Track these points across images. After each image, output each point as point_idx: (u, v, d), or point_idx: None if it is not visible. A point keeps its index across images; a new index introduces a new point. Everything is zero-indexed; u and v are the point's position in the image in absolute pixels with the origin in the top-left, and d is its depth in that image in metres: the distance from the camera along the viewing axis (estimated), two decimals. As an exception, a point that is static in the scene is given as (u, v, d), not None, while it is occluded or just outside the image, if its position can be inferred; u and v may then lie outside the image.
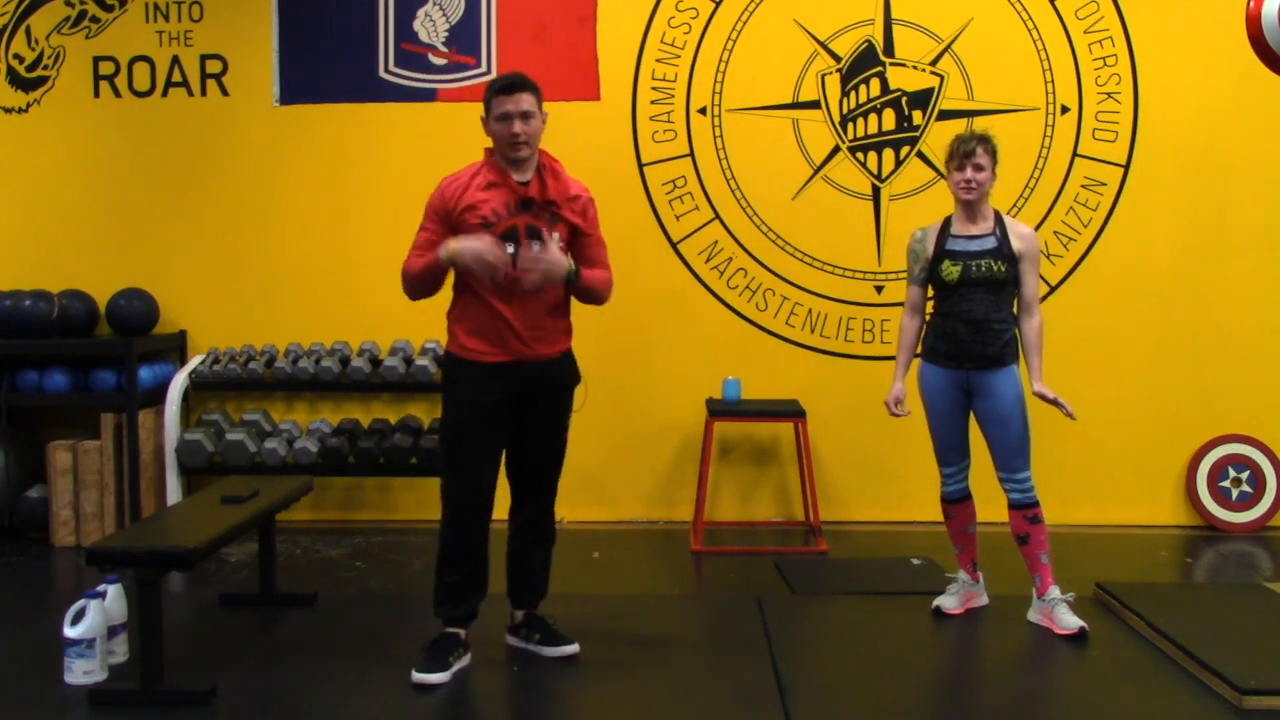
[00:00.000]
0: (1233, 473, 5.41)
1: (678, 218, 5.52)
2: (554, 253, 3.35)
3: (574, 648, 3.59)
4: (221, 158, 5.55)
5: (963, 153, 3.78)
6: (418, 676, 3.34)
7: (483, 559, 3.52)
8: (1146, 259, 5.44)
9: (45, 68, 5.55)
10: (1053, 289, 5.43)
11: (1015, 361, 3.84)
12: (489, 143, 3.48)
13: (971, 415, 3.91)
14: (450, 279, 3.45)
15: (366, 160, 5.49)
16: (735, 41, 5.46)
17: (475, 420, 3.43)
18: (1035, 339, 3.85)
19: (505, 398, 3.42)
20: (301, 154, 5.54)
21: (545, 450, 3.58)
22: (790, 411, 5.17)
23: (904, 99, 5.45)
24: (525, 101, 3.38)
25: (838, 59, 5.45)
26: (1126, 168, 5.43)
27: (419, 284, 3.43)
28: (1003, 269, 3.77)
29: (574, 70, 5.45)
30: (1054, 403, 3.76)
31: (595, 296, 3.55)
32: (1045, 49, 5.41)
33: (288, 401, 5.61)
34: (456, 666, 3.41)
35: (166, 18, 5.53)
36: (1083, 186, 5.45)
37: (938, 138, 5.28)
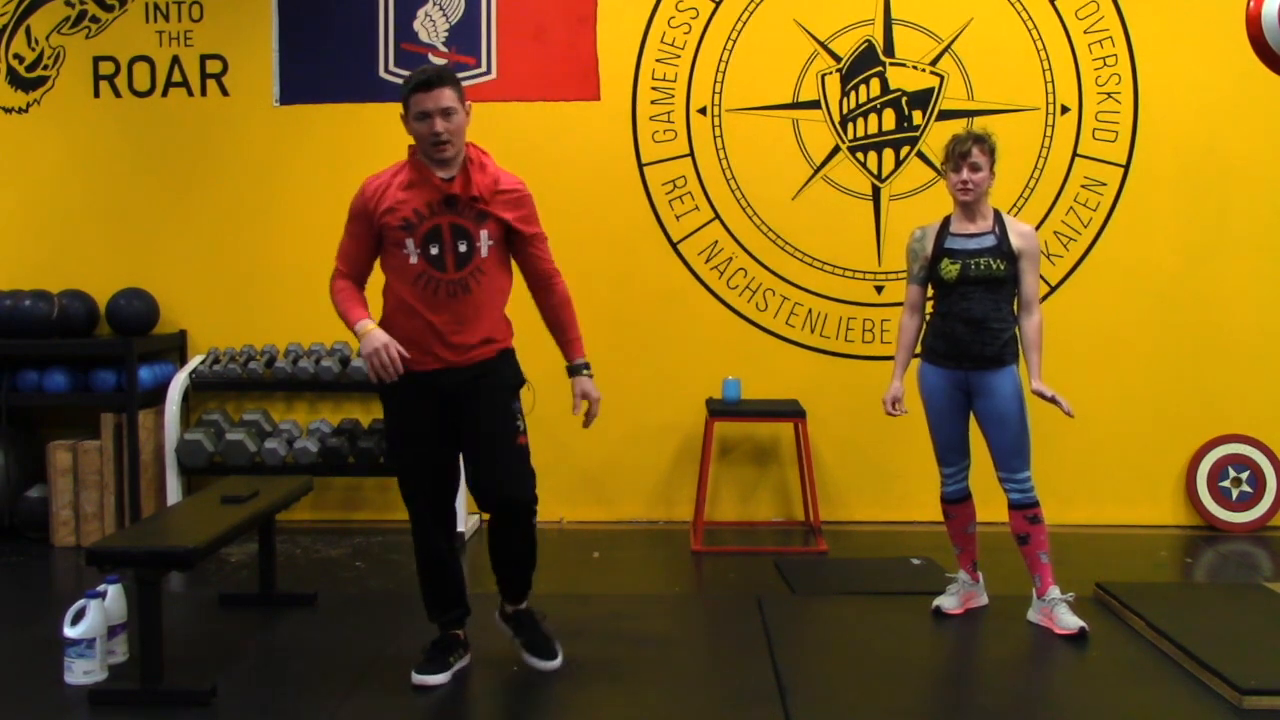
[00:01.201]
0: (1233, 473, 5.41)
1: (678, 218, 5.52)
2: (591, 393, 3.40)
3: (556, 663, 3.43)
4: (221, 158, 5.56)
5: (958, 154, 3.78)
6: (417, 678, 3.33)
7: (454, 563, 3.47)
8: (1146, 259, 5.44)
9: (45, 68, 5.55)
10: (1053, 289, 5.43)
11: (1015, 361, 3.84)
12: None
13: (971, 415, 3.91)
14: (379, 285, 3.33)
15: (366, 160, 5.39)
16: (735, 41, 5.46)
17: (411, 431, 3.33)
18: (1035, 337, 3.84)
19: (439, 404, 3.28)
20: (301, 154, 5.54)
21: (500, 460, 3.31)
22: (790, 411, 5.17)
23: (904, 99, 5.45)
24: (446, 98, 3.15)
25: (838, 59, 5.45)
26: (1126, 168, 5.43)
27: (338, 315, 3.31)
28: (1002, 267, 3.77)
29: (574, 70, 5.45)
30: (1052, 400, 3.76)
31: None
32: (1045, 49, 5.41)
33: (288, 401, 5.61)
34: (456, 667, 3.41)
35: (166, 18, 5.53)
36: (1083, 186, 5.45)
37: (938, 138, 5.27)
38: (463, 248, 3.20)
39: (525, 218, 3.31)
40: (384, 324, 3.29)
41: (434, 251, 3.19)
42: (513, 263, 3.39)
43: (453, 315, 3.22)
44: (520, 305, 3.46)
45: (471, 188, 3.21)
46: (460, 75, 5.42)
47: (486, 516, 3.57)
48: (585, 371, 3.41)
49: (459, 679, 3.40)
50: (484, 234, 3.22)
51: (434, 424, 3.29)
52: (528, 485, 3.36)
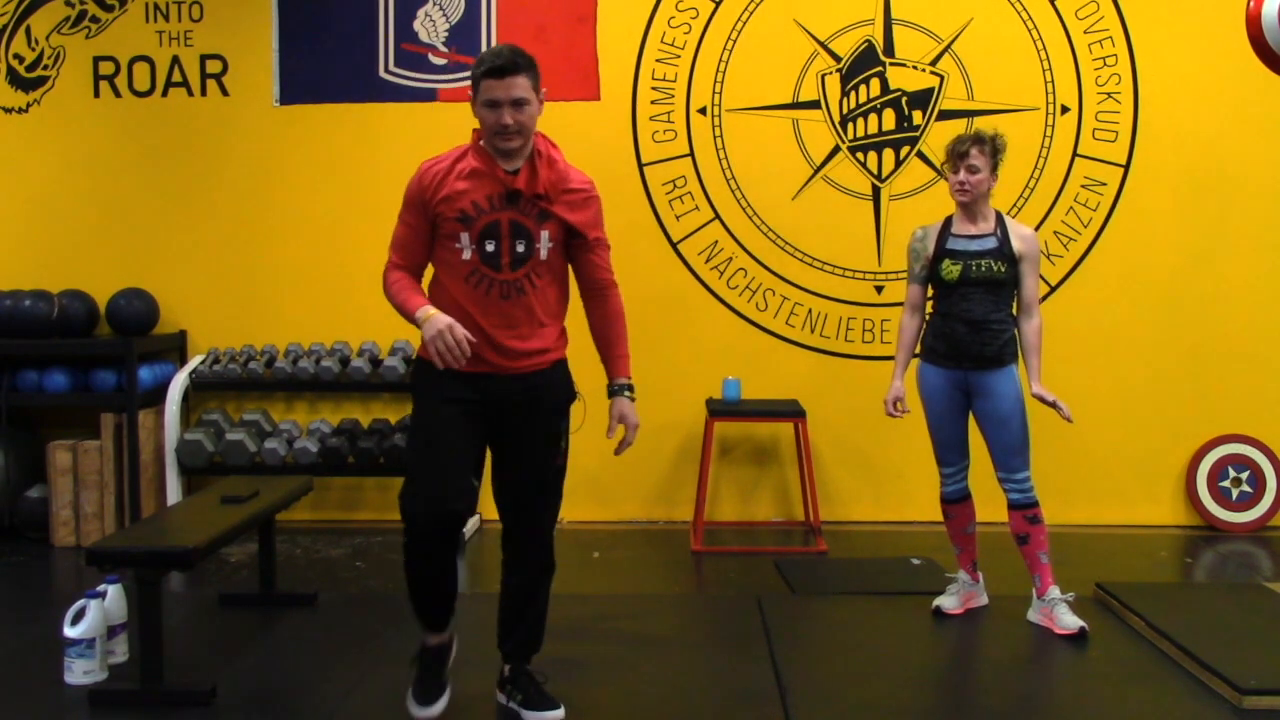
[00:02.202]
0: (1233, 473, 5.41)
1: (678, 218, 5.52)
2: (629, 417, 3.10)
3: (558, 713, 3.10)
4: (221, 158, 5.56)
5: (957, 154, 3.78)
6: (417, 712, 3.07)
7: (449, 585, 3.08)
8: (1146, 259, 5.44)
9: (45, 68, 5.55)
10: (1053, 289, 5.43)
11: (1014, 362, 3.84)
12: None
13: (971, 415, 3.91)
14: (426, 274, 3.08)
15: (366, 160, 5.49)
16: (735, 41, 5.46)
17: (446, 425, 2.95)
18: (1034, 340, 3.84)
19: (483, 408, 2.98)
20: (301, 154, 5.54)
21: (533, 485, 3.06)
22: (790, 411, 5.17)
23: (904, 99, 5.45)
24: (519, 87, 2.88)
25: (838, 59, 5.45)
26: (1126, 168, 5.43)
27: (395, 308, 3.02)
28: (1003, 269, 3.77)
29: (574, 70, 5.45)
30: (1052, 405, 3.76)
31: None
32: (1045, 49, 5.41)
33: (288, 401, 5.61)
34: (449, 662, 3.21)
35: (166, 18, 5.53)
36: (1083, 186, 5.45)
37: (938, 138, 5.28)
38: (520, 247, 2.94)
39: (588, 221, 3.06)
40: None
41: (489, 248, 2.93)
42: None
43: (504, 318, 2.95)
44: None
45: (537, 184, 2.96)
46: (460, 75, 5.49)
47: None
48: (628, 393, 3.12)
49: (458, 679, 3.39)
50: (544, 234, 2.97)
51: (473, 425, 2.98)
52: (552, 510, 3.13)
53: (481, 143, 2.99)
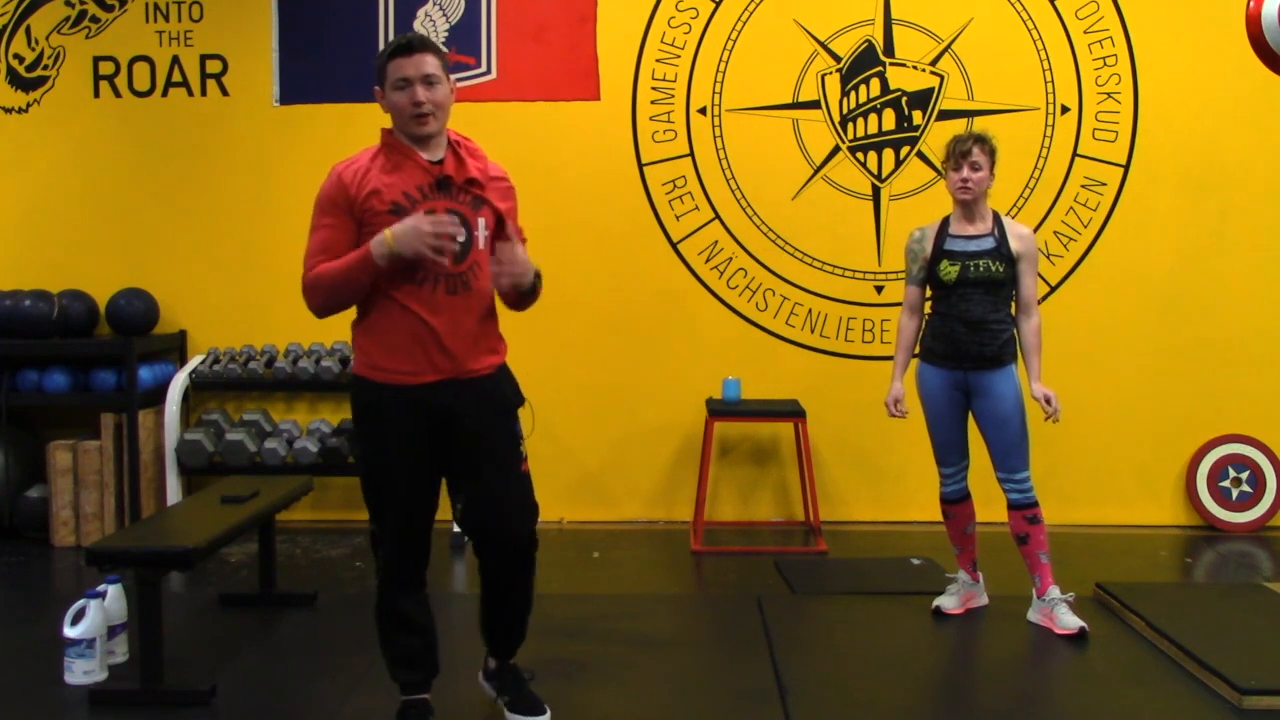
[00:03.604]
0: (1233, 473, 5.40)
1: (678, 218, 5.52)
2: (521, 252, 2.83)
3: (545, 718, 3.07)
4: (221, 157, 5.56)
5: (959, 152, 3.79)
6: None
7: (428, 623, 3.02)
8: (1146, 259, 5.44)
9: (45, 68, 5.55)
10: (1053, 289, 5.43)
11: (1013, 362, 3.84)
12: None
13: (971, 415, 3.91)
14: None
15: None
16: (735, 41, 5.46)
17: (401, 458, 2.85)
18: (1033, 339, 3.85)
19: (431, 425, 2.83)
20: (301, 154, 5.53)
21: (493, 485, 2.89)
22: (790, 411, 5.17)
23: (904, 99, 5.45)
24: (428, 64, 2.77)
25: (838, 59, 5.45)
26: (1126, 168, 5.43)
27: (335, 291, 2.81)
28: (1001, 269, 3.77)
29: (574, 70, 5.45)
30: (1045, 403, 3.76)
31: (531, 304, 3.00)
32: (1045, 49, 5.41)
33: (288, 401, 5.61)
34: None
35: (166, 18, 5.53)
36: (1083, 186, 5.45)
37: (938, 138, 5.27)
38: (461, 237, 2.80)
39: (513, 212, 2.95)
40: (367, 325, 2.85)
41: (457, 237, 2.79)
42: None
43: (453, 317, 2.80)
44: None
45: (466, 170, 2.84)
46: (460, 75, 5.50)
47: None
48: (537, 269, 2.92)
49: (457, 680, 3.39)
50: (481, 222, 2.84)
51: (426, 449, 2.86)
52: (531, 519, 2.97)
53: (395, 137, 2.88)
